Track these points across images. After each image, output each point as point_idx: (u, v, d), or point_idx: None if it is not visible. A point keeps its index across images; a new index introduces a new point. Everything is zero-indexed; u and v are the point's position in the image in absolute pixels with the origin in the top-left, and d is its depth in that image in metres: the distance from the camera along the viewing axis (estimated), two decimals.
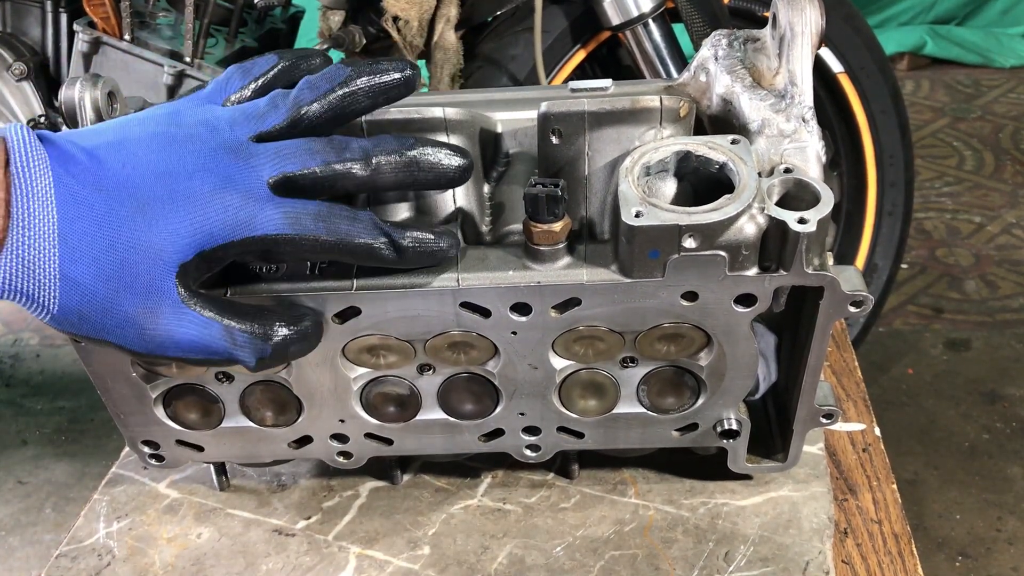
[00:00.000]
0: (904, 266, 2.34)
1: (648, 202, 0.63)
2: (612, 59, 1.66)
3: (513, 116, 0.76)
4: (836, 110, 1.72)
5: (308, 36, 1.82)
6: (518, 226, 0.71)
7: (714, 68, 0.73)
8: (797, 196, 0.66)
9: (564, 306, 0.67)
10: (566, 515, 0.80)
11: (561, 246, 0.66)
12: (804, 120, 0.69)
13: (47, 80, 1.50)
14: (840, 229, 1.78)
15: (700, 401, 0.74)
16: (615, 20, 1.45)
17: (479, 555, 0.77)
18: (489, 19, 1.53)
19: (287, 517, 0.82)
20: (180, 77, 1.40)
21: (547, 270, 0.66)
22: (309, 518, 0.82)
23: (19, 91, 1.48)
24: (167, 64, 1.40)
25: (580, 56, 1.55)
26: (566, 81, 1.59)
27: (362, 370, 0.73)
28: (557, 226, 0.65)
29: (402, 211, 0.71)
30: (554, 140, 0.70)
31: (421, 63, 1.55)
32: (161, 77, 1.40)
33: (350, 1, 1.41)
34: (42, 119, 1.48)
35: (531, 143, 0.75)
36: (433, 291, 0.66)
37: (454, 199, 0.71)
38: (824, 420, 0.76)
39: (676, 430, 0.77)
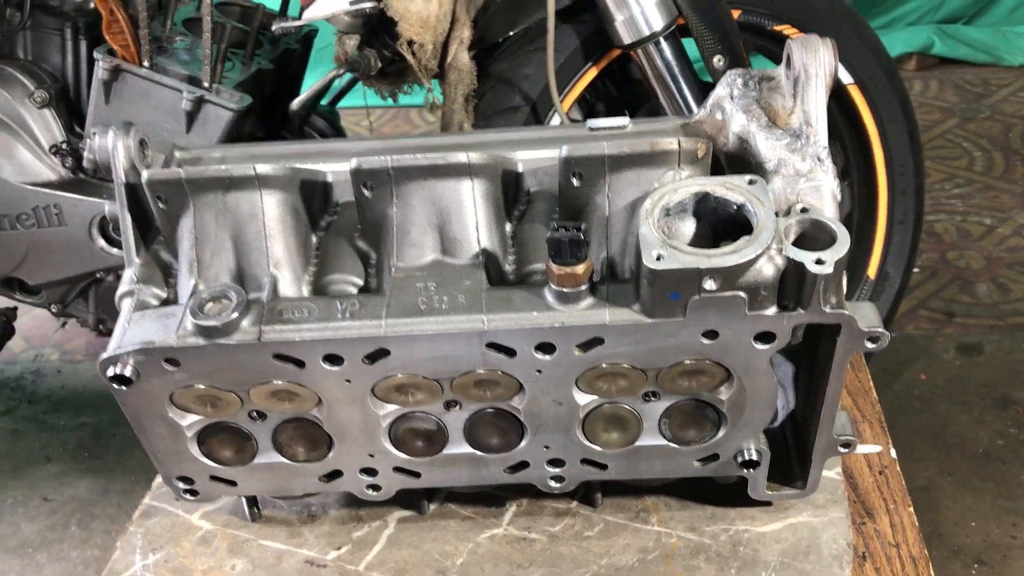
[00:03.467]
0: (916, 270, 2.34)
1: (669, 245, 0.65)
2: (623, 73, 1.67)
3: (534, 155, 0.78)
4: (846, 120, 1.73)
5: (319, 52, 1.83)
6: (541, 265, 0.73)
7: (730, 107, 0.75)
8: (814, 236, 0.67)
9: (588, 345, 0.69)
10: (590, 544, 0.82)
11: (584, 287, 0.68)
12: (819, 159, 0.71)
13: (68, 106, 1.52)
14: (852, 238, 1.79)
15: (721, 433, 0.76)
16: (627, 39, 1.46)
17: None
18: (501, 39, 1.55)
19: (318, 548, 0.84)
20: (199, 103, 1.41)
21: (570, 311, 0.68)
22: (340, 548, 0.84)
23: (41, 118, 1.50)
24: (186, 90, 1.41)
25: (592, 74, 1.56)
26: (579, 99, 1.61)
27: (391, 407, 0.75)
28: (580, 268, 0.67)
29: (428, 252, 0.73)
30: (575, 182, 0.72)
31: (435, 82, 1.56)
32: (180, 103, 1.42)
33: (365, 25, 1.42)
34: (64, 145, 1.50)
35: (551, 181, 0.77)
36: (461, 333, 0.68)
37: (478, 240, 0.73)
38: (842, 449, 0.78)
39: (698, 460, 0.79)
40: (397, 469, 0.79)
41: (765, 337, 0.68)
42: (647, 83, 1.51)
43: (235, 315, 0.68)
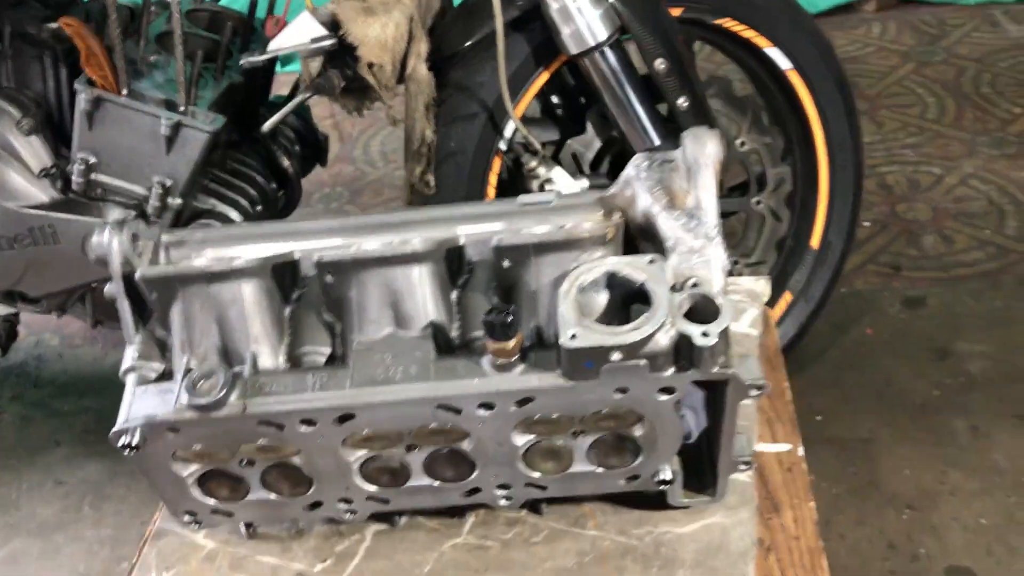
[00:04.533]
0: (867, 224, 2.48)
1: (582, 324, 0.78)
2: (574, 73, 1.76)
3: (474, 229, 0.90)
4: (787, 104, 1.84)
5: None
6: (481, 332, 0.86)
7: (637, 186, 0.87)
8: (703, 307, 0.80)
9: (521, 403, 0.83)
10: (537, 549, 0.97)
11: (515, 359, 0.81)
12: (710, 238, 0.83)
13: (54, 130, 1.62)
14: (796, 214, 1.92)
15: (639, 460, 0.90)
16: (573, 50, 1.56)
17: None
18: (458, 49, 1.64)
19: (306, 561, 0.99)
20: (177, 127, 1.52)
21: (504, 378, 0.82)
22: (325, 561, 0.98)
23: (29, 144, 1.59)
24: (163, 116, 1.51)
25: (544, 77, 1.66)
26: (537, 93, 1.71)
27: (360, 452, 0.89)
28: (510, 344, 0.80)
29: (384, 327, 0.86)
30: (506, 264, 0.85)
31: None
32: (159, 128, 1.52)
33: (326, 51, 1.52)
34: (53, 169, 1.61)
35: (490, 252, 0.89)
36: (414, 400, 0.82)
37: (426, 314, 0.86)
38: (742, 467, 0.93)
39: (623, 479, 0.93)
40: (369, 498, 0.94)
41: (666, 391, 0.82)
42: (593, 88, 1.62)
43: (223, 392, 0.81)
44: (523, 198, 0.90)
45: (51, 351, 2.44)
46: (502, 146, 1.67)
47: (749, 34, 1.75)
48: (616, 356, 0.78)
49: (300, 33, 1.42)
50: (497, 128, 1.65)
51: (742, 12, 1.73)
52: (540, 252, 0.83)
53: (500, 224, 0.89)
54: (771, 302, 1.92)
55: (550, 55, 1.64)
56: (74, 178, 1.58)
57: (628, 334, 0.77)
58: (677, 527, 0.98)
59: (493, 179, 1.69)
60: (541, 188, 1.66)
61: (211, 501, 0.93)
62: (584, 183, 1.69)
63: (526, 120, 1.74)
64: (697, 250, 0.83)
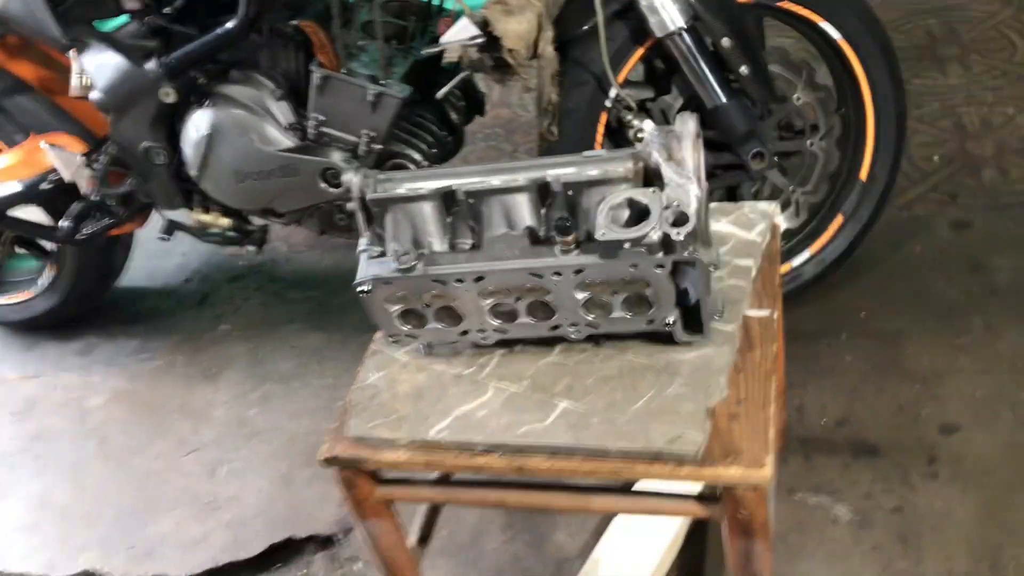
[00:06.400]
0: (935, 158, 2.91)
1: (608, 227, 1.40)
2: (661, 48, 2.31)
3: (556, 172, 1.51)
4: (840, 65, 2.33)
5: None
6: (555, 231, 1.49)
7: (652, 147, 1.47)
8: (681, 218, 1.40)
9: (576, 272, 1.46)
10: (595, 365, 1.60)
11: (572, 247, 1.44)
12: (688, 178, 1.42)
13: (296, 96, 2.33)
14: (848, 154, 2.42)
15: (652, 310, 1.52)
16: (658, 33, 2.13)
17: (551, 384, 1.58)
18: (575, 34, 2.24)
19: (460, 367, 1.66)
20: (378, 96, 2.20)
21: (567, 258, 1.45)
22: (471, 368, 1.65)
23: (280, 107, 2.31)
24: (369, 87, 2.19)
25: (639, 52, 2.22)
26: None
27: (488, 300, 1.55)
28: (569, 238, 1.43)
29: (501, 228, 1.51)
30: (570, 193, 1.47)
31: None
32: (366, 96, 2.20)
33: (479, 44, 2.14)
34: (295, 124, 2.33)
35: (562, 185, 1.51)
36: (517, 269, 1.46)
37: (525, 221, 1.50)
38: (716, 319, 1.53)
39: (644, 323, 1.55)
40: (495, 329, 1.60)
41: (659, 267, 1.43)
42: (675, 61, 2.18)
43: (414, 262, 1.48)
44: (587, 153, 1.51)
45: (281, 255, 3.23)
46: (608, 104, 2.27)
47: (806, 13, 2.26)
48: (627, 246, 1.40)
49: (461, 32, 2.06)
50: (604, 91, 2.25)
51: None
52: (590, 185, 1.45)
53: (573, 169, 1.50)
54: (825, 224, 2.46)
55: (643, 36, 2.21)
56: (309, 131, 2.30)
57: (633, 232, 1.39)
58: (681, 355, 1.58)
59: (601, 128, 2.29)
60: (636, 136, 2.26)
61: (406, 328, 1.61)
62: None
63: (629, 82, 2.33)
64: (681, 185, 1.42)
